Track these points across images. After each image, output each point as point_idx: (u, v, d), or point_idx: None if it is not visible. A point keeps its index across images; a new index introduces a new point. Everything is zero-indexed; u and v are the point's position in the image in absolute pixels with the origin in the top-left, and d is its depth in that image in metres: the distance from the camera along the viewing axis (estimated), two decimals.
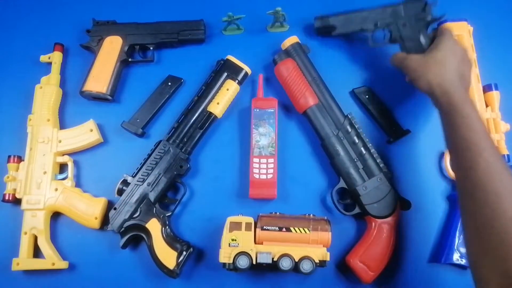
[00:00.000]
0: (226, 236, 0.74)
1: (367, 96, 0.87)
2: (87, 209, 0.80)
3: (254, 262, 0.72)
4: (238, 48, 0.90)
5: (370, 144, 0.81)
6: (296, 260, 0.73)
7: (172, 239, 0.78)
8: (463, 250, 0.77)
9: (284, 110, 0.88)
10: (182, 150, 0.82)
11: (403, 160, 0.85)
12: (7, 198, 0.81)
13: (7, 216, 0.83)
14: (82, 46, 0.92)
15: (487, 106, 0.85)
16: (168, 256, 0.76)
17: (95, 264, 0.81)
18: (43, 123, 0.85)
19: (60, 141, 0.84)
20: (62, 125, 0.88)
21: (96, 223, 0.80)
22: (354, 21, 0.84)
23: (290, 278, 0.78)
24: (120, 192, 0.80)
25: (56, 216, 0.83)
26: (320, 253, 0.73)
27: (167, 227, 0.79)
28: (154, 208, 0.79)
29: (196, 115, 0.84)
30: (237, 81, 0.86)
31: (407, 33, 0.80)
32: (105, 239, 0.81)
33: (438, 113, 0.70)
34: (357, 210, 0.79)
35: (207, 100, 0.85)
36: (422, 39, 0.79)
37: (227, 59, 0.87)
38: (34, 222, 0.79)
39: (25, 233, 0.79)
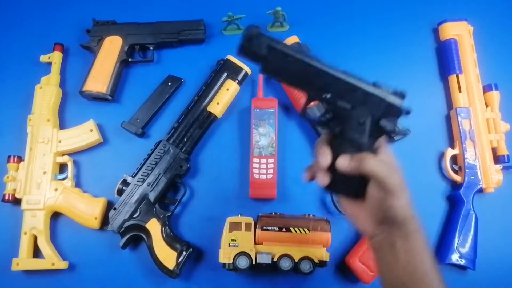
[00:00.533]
0: (226, 236, 0.74)
1: None
2: (87, 209, 0.80)
3: (254, 262, 0.72)
4: None
5: None
6: (296, 261, 0.73)
7: (172, 239, 0.78)
8: (463, 250, 0.78)
9: (284, 110, 0.88)
10: (182, 150, 0.82)
11: (403, 160, 0.84)
12: (7, 198, 0.81)
13: (7, 216, 0.83)
14: (82, 46, 0.92)
15: (487, 106, 0.85)
16: (168, 256, 0.76)
17: (95, 264, 0.81)
18: (43, 123, 0.85)
19: (60, 141, 0.84)
20: (62, 125, 0.88)
21: (96, 223, 0.80)
22: (299, 71, 0.49)
23: (290, 278, 0.78)
24: (120, 192, 0.80)
25: (56, 216, 0.83)
26: (320, 253, 0.73)
27: (167, 227, 0.79)
28: (154, 208, 0.79)
29: (196, 115, 0.84)
30: (237, 81, 0.86)
31: (355, 130, 0.49)
32: (105, 239, 0.81)
33: (392, 251, 0.50)
34: None
35: (207, 100, 0.85)
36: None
37: (227, 59, 0.87)
38: (34, 222, 0.79)
39: (25, 233, 0.79)
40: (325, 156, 0.50)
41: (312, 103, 0.52)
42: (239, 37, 0.48)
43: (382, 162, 0.49)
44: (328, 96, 0.49)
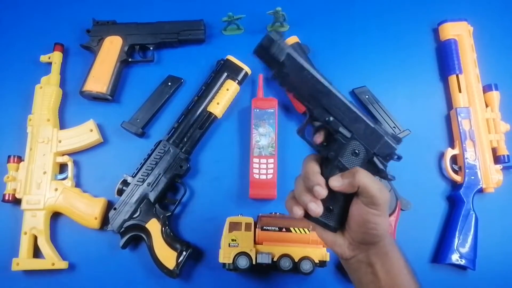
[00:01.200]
0: (226, 236, 0.74)
1: (367, 96, 0.87)
2: (87, 209, 0.80)
3: (254, 262, 0.72)
4: (238, 48, 0.90)
5: None
6: (296, 260, 0.73)
7: (172, 239, 0.78)
8: (463, 250, 0.78)
9: (284, 110, 0.88)
10: (182, 150, 0.82)
11: (403, 160, 0.84)
12: (7, 198, 0.81)
13: (7, 216, 0.83)
14: (82, 46, 0.92)
15: (487, 106, 0.85)
16: (168, 256, 0.76)
17: (95, 264, 0.81)
18: (43, 123, 0.85)
19: (60, 141, 0.84)
20: (62, 125, 0.88)
21: (96, 223, 0.80)
22: (312, 87, 0.49)
23: (290, 278, 0.78)
24: (120, 192, 0.80)
25: (56, 216, 0.83)
26: (320, 253, 0.73)
27: (167, 227, 0.79)
28: (154, 208, 0.79)
29: (196, 115, 0.84)
30: (237, 81, 0.86)
31: (348, 159, 0.50)
32: (105, 239, 0.81)
33: (372, 272, 0.50)
34: None
35: (207, 100, 0.85)
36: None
37: (227, 59, 0.87)
38: (34, 222, 0.79)
39: (25, 233, 0.79)
40: (319, 176, 0.50)
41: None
42: (261, 37, 0.47)
43: (373, 177, 0.49)
44: (332, 119, 0.50)
